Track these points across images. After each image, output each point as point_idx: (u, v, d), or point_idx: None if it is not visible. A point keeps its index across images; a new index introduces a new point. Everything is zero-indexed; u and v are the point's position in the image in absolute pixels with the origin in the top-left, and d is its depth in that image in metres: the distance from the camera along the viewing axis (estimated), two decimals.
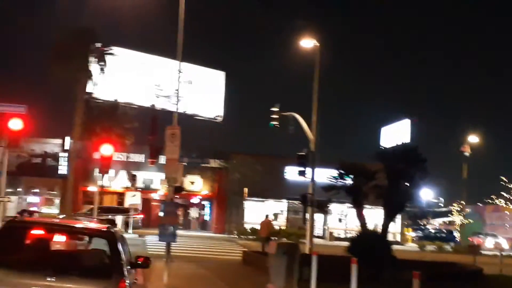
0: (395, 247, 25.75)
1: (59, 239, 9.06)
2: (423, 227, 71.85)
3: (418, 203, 50.75)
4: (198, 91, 56.87)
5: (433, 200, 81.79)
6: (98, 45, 46.60)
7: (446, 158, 74.41)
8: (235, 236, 47.65)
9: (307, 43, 31.39)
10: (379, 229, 24.13)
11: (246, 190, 50.50)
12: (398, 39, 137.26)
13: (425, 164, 22.96)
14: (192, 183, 53.20)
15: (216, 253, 32.11)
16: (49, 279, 7.83)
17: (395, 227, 54.27)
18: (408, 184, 23.06)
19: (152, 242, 32.22)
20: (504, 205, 58.16)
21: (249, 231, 47.30)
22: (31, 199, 51.66)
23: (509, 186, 56.46)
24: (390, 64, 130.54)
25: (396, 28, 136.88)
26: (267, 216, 35.16)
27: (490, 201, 61.31)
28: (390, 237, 27.78)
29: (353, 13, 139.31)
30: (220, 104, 59.11)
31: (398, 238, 54.77)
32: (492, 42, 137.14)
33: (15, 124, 34.78)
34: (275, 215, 52.77)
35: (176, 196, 19.70)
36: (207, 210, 57.25)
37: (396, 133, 53.99)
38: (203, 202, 56.69)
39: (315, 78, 30.59)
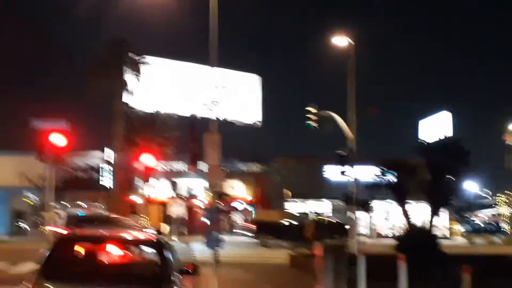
0: (443, 242, 25.41)
1: (108, 250, 9.19)
2: (470, 221, 70.72)
3: (463, 197, 50.01)
4: (235, 96, 57.17)
5: (478, 193, 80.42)
6: (132, 55, 47.26)
7: (490, 148, 73.12)
8: None
9: (341, 41, 31.27)
10: (426, 225, 23.83)
11: (286, 191, 50.48)
12: (429, 32, 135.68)
13: (468, 157, 22.62)
14: (232, 188, 53.43)
15: (262, 257, 32.05)
16: None
17: (441, 222, 53.61)
18: (451, 178, 22.74)
19: (197, 248, 32.36)
20: None
21: None
22: (77, 212, 52.41)
23: None
24: (424, 55, 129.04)
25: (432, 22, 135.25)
26: (308, 216, 34.95)
27: None
28: (437, 232, 27.43)
29: (388, 10, 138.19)
30: (257, 108, 59.15)
31: (446, 233, 54.09)
32: None
33: (58, 139, 35.26)
34: (317, 215, 52.76)
35: (219, 202, 19.82)
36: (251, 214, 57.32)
37: (435, 126, 53.29)
38: (246, 207, 56.75)
39: (350, 76, 30.50)
